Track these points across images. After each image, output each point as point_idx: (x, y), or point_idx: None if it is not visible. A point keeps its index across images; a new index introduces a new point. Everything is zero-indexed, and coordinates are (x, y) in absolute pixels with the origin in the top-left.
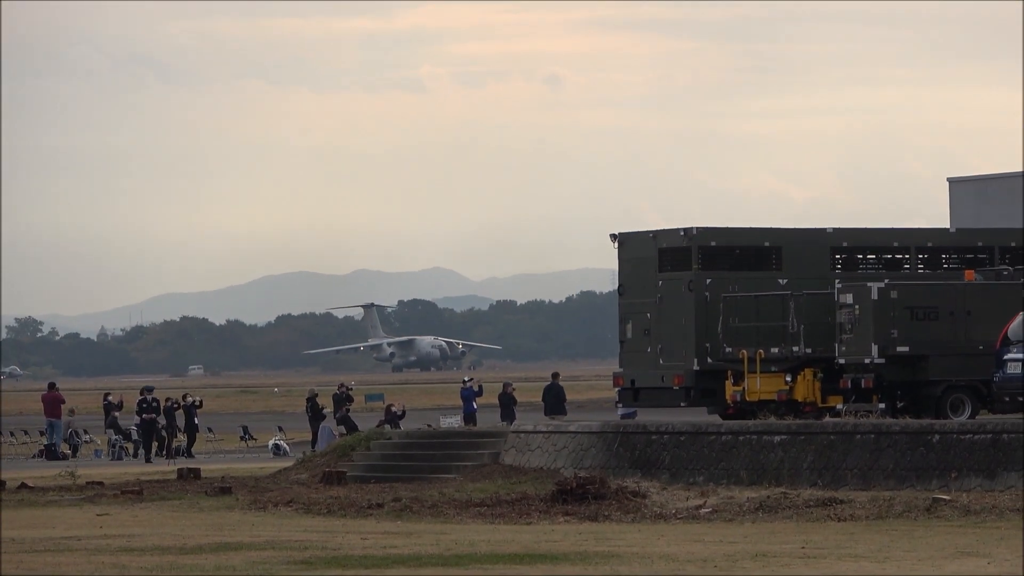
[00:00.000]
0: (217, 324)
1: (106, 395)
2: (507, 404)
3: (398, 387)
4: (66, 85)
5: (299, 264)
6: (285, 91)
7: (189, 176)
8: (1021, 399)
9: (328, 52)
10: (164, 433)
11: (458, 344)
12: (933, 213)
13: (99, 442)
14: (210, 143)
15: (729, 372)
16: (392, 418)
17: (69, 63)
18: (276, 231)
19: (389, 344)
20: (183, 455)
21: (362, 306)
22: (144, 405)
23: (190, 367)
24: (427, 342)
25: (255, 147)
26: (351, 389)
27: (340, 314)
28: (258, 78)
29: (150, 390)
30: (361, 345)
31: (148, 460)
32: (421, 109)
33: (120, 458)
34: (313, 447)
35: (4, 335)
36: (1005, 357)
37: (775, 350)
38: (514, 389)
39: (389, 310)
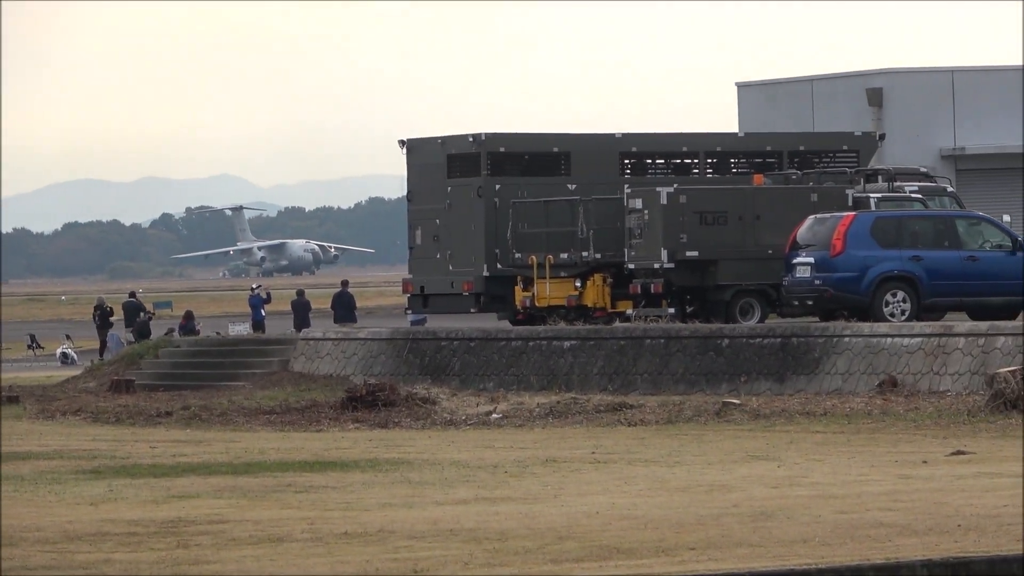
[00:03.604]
0: (3, 232)
1: None
2: (300, 311)
3: (187, 295)
4: None
5: (85, 172)
6: None
7: None
8: (810, 303)
9: None
10: None
11: (330, 248)
12: (721, 118)
13: None
14: None
15: (519, 278)
16: (189, 327)
17: None
18: (60, 139)
19: (259, 248)
20: None
21: (230, 208)
22: None
23: None
24: (299, 246)
25: (34, 55)
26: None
27: (246, 215)
28: None
29: None
30: (231, 249)
31: None
32: (199, 12)
33: None
34: (101, 355)
35: None
36: (794, 261)
37: (565, 256)
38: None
39: (263, 214)
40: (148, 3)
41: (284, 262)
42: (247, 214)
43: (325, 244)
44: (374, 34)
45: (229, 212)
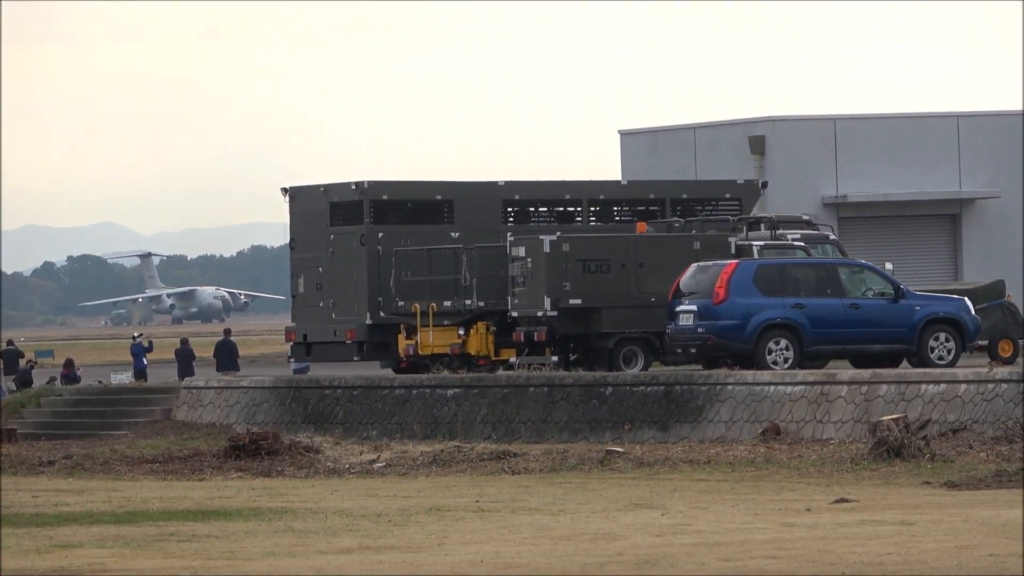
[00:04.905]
0: None
1: None
2: (184, 360)
3: (69, 343)
4: None
5: None
6: None
7: None
8: (693, 351)
9: None
10: None
11: (241, 295)
12: (603, 166)
13: None
14: None
15: (402, 326)
16: (71, 376)
17: None
18: None
19: (169, 295)
20: None
21: (139, 255)
22: None
23: None
24: (208, 293)
25: None
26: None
27: (128, 263)
28: None
29: None
30: (139, 296)
31: None
32: (80, 59)
33: None
34: None
35: None
36: (677, 309)
37: (448, 303)
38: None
39: (159, 259)
40: (27, 49)
41: (194, 309)
42: (130, 262)
43: (235, 291)
44: (256, 82)
45: (138, 259)
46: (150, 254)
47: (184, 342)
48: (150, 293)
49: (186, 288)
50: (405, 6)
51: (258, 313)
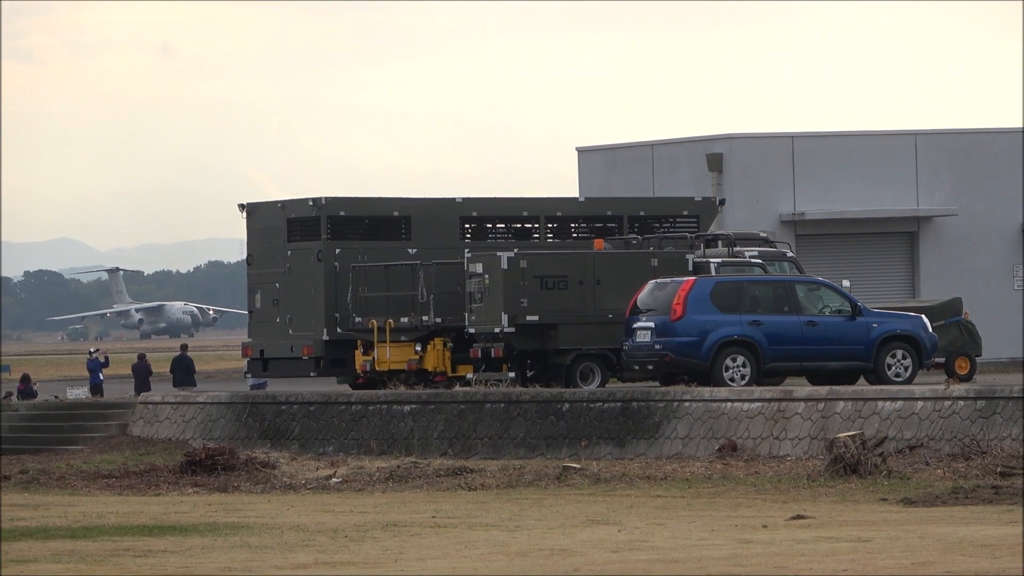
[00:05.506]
0: None
1: None
2: (141, 375)
3: (25, 358)
4: None
5: None
6: None
7: None
8: (650, 367)
9: None
10: None
11: (209, 310)
12: (561, 183)
13: None
14: None
15: (359, 342)
16: (28, 391)
17: None
18: None
19: (137, 310)
20: None
21: (106, 270)
22: None
23: None
24: (177, 308)
25: None
26: None
27: (85, 279)
28: None
29: None
30: (107, 311)
31: None
32: (35, 73)
33: None
34: None
35: None
36: (634, 325)
37: (405, 320)
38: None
39: (102, 278)
40: None
41: (163, 324)
42: (87, 278)
43: (204, 306)
44: (212, 98)
45: (101, 274)
46: (117, 269)
47: (141, 357)
48: (118, 308)
49: (155, 303)
50: (367, 23)
51: (216, 328)
